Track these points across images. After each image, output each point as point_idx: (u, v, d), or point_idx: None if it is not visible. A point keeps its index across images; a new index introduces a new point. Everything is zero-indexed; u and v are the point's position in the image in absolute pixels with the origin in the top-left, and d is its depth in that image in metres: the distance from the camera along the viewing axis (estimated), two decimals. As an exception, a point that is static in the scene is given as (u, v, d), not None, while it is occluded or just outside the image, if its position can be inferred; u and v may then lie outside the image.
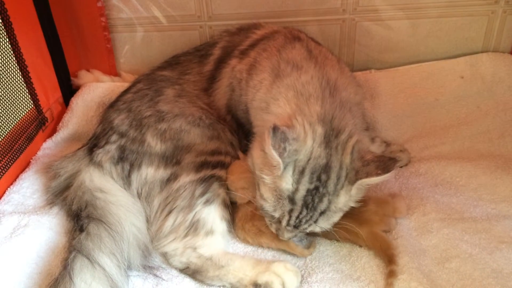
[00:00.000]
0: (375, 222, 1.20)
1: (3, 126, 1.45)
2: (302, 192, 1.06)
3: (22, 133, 1.54)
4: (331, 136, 1.08)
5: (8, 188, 1.41)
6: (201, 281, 1.18)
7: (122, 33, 1.85)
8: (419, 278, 1.08)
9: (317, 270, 1.16)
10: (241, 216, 1.28)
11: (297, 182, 1.06)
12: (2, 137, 1.44)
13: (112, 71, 1.91)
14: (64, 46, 1.80)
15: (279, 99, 1.17)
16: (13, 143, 1.48)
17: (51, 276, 1.15)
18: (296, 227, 1.10)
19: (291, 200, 1.07)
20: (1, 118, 1.44)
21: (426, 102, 1.71)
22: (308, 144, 1.07)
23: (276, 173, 1.06)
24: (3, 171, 1.41)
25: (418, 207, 1.30)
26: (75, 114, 1.73)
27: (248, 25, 1.60)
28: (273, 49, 1.35)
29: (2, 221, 1.26)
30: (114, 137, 1.35)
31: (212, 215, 1.23)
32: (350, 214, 1.17)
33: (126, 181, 1.31)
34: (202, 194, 1.24)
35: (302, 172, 1.06)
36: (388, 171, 1.03)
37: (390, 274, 1.10)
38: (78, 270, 1.06)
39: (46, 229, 1.26)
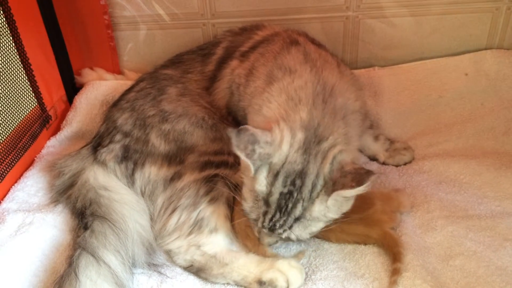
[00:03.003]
0: (385, 221, 1.20)
1: (7, 125, 1.45)
2: (275, 195, 1.06)
3: (26, 131, 1.54)
4: (312, 143, 1.07)
5: (13, 186, 1.42)
6: (205, 279, 1.18)
7: (125, 31, 1.85)
8: (423, 276, 1.08)
9: (321, 268, 1.17)
10: (235, 214, 1.27)
11: (271, 184, 1.06)
12: (6, 136, 1.44)
13: (116, 69, 1.91)
14: (68, 44, 1.80)
15: (271, 102, 1.17)
16: (17, 141, 1.49)
17: (56, 273, 1.16)
18: (271, 230, 1.09)
19: (266, 202, 1.07)
20: (5, 116, 1.44)
21: (430, 99, 1.70)
22: (283, 149, 1.06)
23: (249, 175, 1.07)
24: (8, 169, 1.41)
25: (422, 205, 1.30)
26: (79, 112, 1.73)
27: (251, 25, 1.60)
28: (270, 55, 1.34)
29: (7, 219, 1.26)
30: (118, 136, 1.35)
31: (216, 214, 1.23)
32: (360, 218, 1.18)
33: (130, 179, 1.31)
34: (207, 192, 1.24)
35: (276, 175, 1.05)
36: (361, 184, 1.00)
37: (395, 272, 1.10)
38: (83, 267, 1.06)
39: (51, 227, 1.26)
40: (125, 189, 1.30)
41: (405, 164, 1.49)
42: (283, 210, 1.06)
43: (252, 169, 1.05)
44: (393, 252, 1.14)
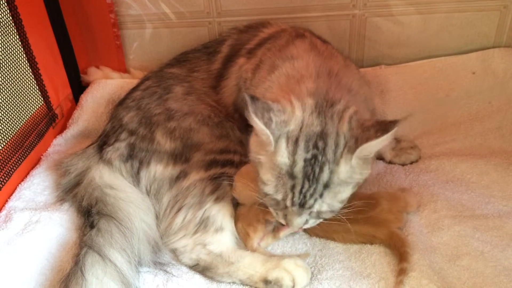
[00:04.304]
0: (391, 221, 1.19)
1: (13, 123, 1.46)
2: (300, 163, 1.01)
3: (32, 130, 1.55)
4: (324, 107, 1.04)
5: (19, 185, 1.42)
6: (211, 278, 1.18)
7: (131, 30, 1.86)
8: (430, 276, 1.07)
9: (327, 267, 1.16)
10: (238, 214, 1.27)
11: (293, 153, 1.01)
12: (12, 134, 1.45)
13: (122, 68, 1.92)
14: (74, 43, 1.80)
15: (272, 87, 1.16)
16: (24, 140, 1.49)
17: (62, 272, 1.16)
18: (302, 205, 1.03)
19: (291, 175, 1.02)
20: (12, 115, 1.45)
21: (437, 98, 1.69)
22: (297, 114, 1.03)
23: (270, 150, 1.03)
24: (14, 168, 1.42)
25: (429, 204, 1.29)
26: (85, 111, 1.74)
27: (257, 23, 1.59)
28: (276, 48, 1.34)
29: (14, 217, 1.27)
30: (123, 135, 1.36)
31: (222, 212, 1.23)
32: (366, 218, 1.17)
33: (135, 178, 1.31)
34: (212, 191, 1.24)
35: (296, 142, 1.01)
36: (387, 132, 0.96)
37: (401, 272, 1.09)
38: (89, 266, 1.06)
39: (57, 226, 1.27)
40: (130, 187, 1.31)
41: (411, 163, 1.48)
42: (311, 177, 1.01)
43: (272, 140, 1.01)
44: (399, 252, 1.14)
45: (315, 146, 1.01)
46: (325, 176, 1.02)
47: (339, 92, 1.09)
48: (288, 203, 1.05)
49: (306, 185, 1.02)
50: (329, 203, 1.05)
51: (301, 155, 1.01)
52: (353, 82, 1.18)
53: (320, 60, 1.20)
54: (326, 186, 1.02)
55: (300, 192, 1.03)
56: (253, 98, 0.99)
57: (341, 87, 1.12)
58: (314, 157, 1.01)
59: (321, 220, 1.13)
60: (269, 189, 1.06)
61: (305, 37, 1.37)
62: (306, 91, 1.07)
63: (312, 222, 1.12)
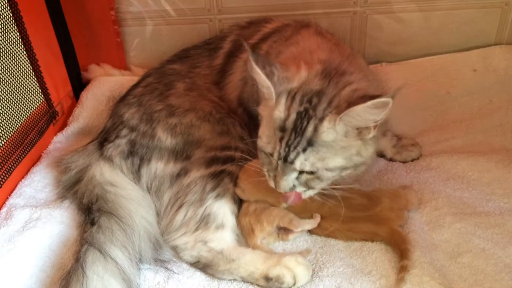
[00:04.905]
0: (393, 219, 1.19)
1: (14, 120, 1.46)
2: (292, 116, 1.04)
3: (33, 127, 1.55)
4: (333, 74, 1.06)
5: (20, 182, 1.42)
6: (212, 275, 1.18)
7: (132, 27, 1.85)
8: (431, 273, 1.07)
9: (328, 265, 1.16)
10: (241, 210, 1.27)
11: (288, 108, 1.05)
12: (13, 131, 1.45)
13: (122, 65, 1.91)
14: (74, 40, 1.80)
15: (282, 61, 1.17)
16: (24, 137, 1.49)
17: (63, 269, 1.16)
18: (285, 159, 1.05)
19: (283, 128, 1.05)
20: (13, 112, 1.45)
21: (438, 96, 1.69)
22: (302, 73, 1.06)
23: (271, 103, 1.05)
24: (15, 165, 1.42)
25: (430, 202, 1.29)
26: (85, 108, 1.73)
27: (259, 19, 1.59)
28: (282, 40, 1.36)
29: (14, 214, 1.27)
30: (124, 131, 1.35)
31: (223, 209, 1.23)
32: (367, 216, 1.18)
33: (136, 175, 1.31)
34: (213, 188, 1.24)
35: (293, 97, 1.05)
36: (374, 98, 0.95)
37: (402, 269, 1.09)
38: (90, 263, 1.06)
39: (58, 223, 1.27)
40: (131, 184, 1.31)
41: (412, 160, 1.48)
42: (298, 129, 1.04)
43: (273, 92, 1.04)
44: (400, 249, 1.14)
45: (309, 101, 1.04)
46: (309, 130, 1.03)
47: (352, 67, 1.11)
48: (275, 155, 1.07)
49: (292, 137, 1.04)
50: (313, 162, 1.05)
51: (294, 108, 1.04)
52: (364, 65, 1.20)
53: (329, 44, 1.22)
54: (310, 143, 1.04)
55: (286, 143, 1.05)
56: (254, 50, 1.01)
57: (354, 64, 1.13)
58: (306, 110, 1.04)
59: (311, 193, 1.13)
60: (263, 143, 1.10)
61: (310, 26, 1.39)
62: (317, 59, 1.09)
63: (300, 190, 1.11)
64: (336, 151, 1.05)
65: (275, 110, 1.05)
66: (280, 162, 1.07)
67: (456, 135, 1.55)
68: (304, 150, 1.04)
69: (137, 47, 1.90)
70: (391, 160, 1.50)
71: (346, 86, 1.05)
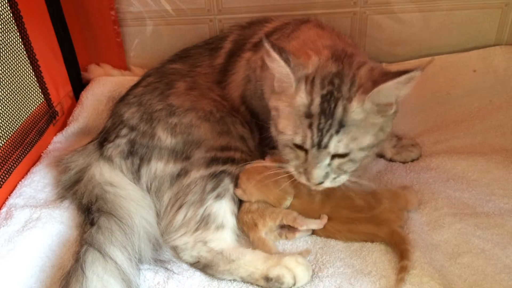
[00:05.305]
0: (393, 220, 1.19)
1: (14, 120, 1.46)
2: (316, 100, 1.05)
3: (33, 127, 1.55)
4: (342, 57, 1.08)
5: (20, 182, 1.42)
6: (212, 275, 1.18)
7: (132, 27, 1.85)
8: (431, 273, 1.08)
9: (328, 265, 1.16)
10: (242, 209, 1.27)
11: (310, 93, 1.05)
12: (13, 131, 1.45)
13: (122, 65, 1.92)
14: (74, 40, 1.80)
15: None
16: (24, 137, 1.49)
17: (63, 269, 1.16)
18: (319, 144, 1.05)
19: (309, 114, 1.05)
20: (12, 112, 1.45)
21: (438, 96, 1.69)
22: (313, 59, 1.07)
23: (290, 91, 1.06)
24: (15, 165, 1.42)
25: (429, 202, 1.29)
26: (85, 108, 1.74)
27: (259, 19, 1.59)
28: (284, 36, 1.37)
29: (14, 214, 1.27)
30: (124, 131, 1.35)
31: (223, 210, 1.23)
32: (368, 218, 1.18)
33: (136, 175, 1.31)
34: (213, 189, 1.23)
35: (312, 81, 1.06)
36: (407, 73, 0.97)
37: (402, 269, 1.09)
38: (90, 263, 1.06)
39: (58, 223, 1.27)
40: (131, 185, 1.30)
41: (412, 161, 1.48)
42: (327, 112, 1.04)
43: (293, 79, 1.04)
44: (400, 249, 1.14)
45: (331, 83, 1.05)
46: (338, 112, 1.04)
47: (356, 51, 1.13)
48: (308, 143, 1.06)
49: (323, 120, 1.05)
50: (346, 143, 1.06)
51: (317, 92, 1.05)
52: (367, 56, 1.21)
53: (331, 34, 1.24)
54: (341, 124, 1.04)
55: (318, 127, 1.05)
56: (269, 38, 1.02)
57: (357, 50, 1.16)
58: (330, 93, 1.04)
59: (344, 179, 1.13)
60: (289, 135, 1.09)
61: (310, 21, 1.41)
62: (321, 46, 1.10)
63: (332, 179, 1.11)
64: (366, 129, 1.06)
65: (297, 97, 1.06)
66: (313, 150, 1.07)
67: (456, 136, 1.55)
68: (337, 132, 1.05)
69: (137, 47, 1.90)
70: (391, 160, 1.49)
71: (360, 66, 1.08)
